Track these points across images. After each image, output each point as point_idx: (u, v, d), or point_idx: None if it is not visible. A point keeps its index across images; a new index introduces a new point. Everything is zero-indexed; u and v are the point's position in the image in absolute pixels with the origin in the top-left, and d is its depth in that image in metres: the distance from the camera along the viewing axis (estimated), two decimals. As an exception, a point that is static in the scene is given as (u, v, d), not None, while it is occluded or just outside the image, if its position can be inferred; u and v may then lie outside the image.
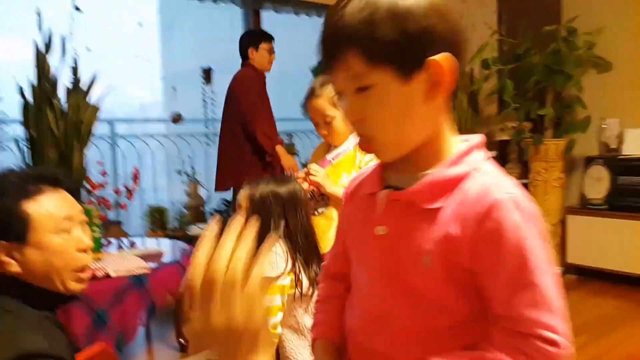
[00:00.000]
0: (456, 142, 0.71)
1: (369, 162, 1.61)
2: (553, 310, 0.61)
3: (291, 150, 4.74)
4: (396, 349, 0.70)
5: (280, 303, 1.29)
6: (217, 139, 3.23)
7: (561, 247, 3.54)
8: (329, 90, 1.68)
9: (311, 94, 1.74)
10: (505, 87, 3.57)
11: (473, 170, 0.67)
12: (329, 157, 1.78)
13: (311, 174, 1.66)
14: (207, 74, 4.63)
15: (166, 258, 2.15)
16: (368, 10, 0.61)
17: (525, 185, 3.80)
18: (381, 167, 0.74)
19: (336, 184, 1.68)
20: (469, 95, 4.20)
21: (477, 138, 0.71)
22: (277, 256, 1.31)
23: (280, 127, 5.34)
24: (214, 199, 4.57)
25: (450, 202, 0.65)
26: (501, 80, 3.64)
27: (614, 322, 2.56)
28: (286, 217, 1.35)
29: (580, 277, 3.41)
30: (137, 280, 1.79)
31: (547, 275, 0.62)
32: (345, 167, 1.73)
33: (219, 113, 3.34)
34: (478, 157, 0.69)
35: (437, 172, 0.67)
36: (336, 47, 0.64)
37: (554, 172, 3.57)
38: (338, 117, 1.71)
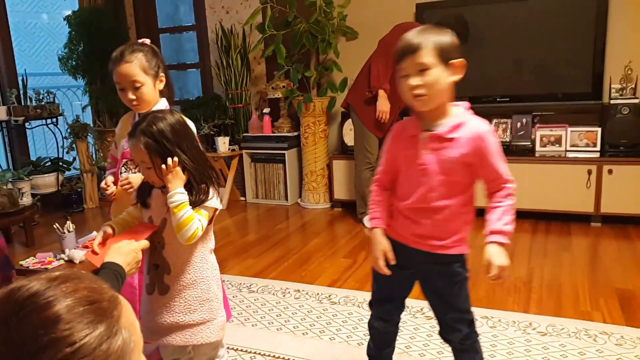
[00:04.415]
0: (455, 105, 1.37)
1: None
2: (508, 171, 1.36)
3: (55, 110, 4.37)
4: (428, 213, 1.39)
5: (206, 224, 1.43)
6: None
7: (329, 186, 4.28)
8: (140, 57, 1.71)
9: (120, 59, 1.70)
10: (279, 51, 4.00)
11: (469, 118, 1.36)
12: None
13: (127, 187, 1.69)
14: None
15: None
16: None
17: (298, 137, 4.40)
18: (417, 121, 1.39)
19: None
20: (242, 57, 4.54)
21: (466, 104, 1.39)
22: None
23: (40, 83, 4.83)
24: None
25: (462, 134, 1.33)
26: (274, 44, 4.05)
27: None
28: (181, 146, 1.40)
29: (344, 208, 4.20)
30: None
31: (503, 159, 1.36)
32: None
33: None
34: (468, 112, 1.38)
35: (452, 120, 1.34)
36: (417, 49, 1.28)
37: (320, 125, 4.23)
38: (148, 84, 1.72)
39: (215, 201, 1.45)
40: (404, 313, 1.67)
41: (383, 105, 3.49)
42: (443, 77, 1.30)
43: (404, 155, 1.42)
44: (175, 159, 1.38)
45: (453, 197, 1.37)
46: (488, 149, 1.33)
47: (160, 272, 1.47)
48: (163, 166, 1.37)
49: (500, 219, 1.33)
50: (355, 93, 3.62)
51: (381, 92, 3.49)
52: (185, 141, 1.42)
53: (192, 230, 1.38)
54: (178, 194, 1.38)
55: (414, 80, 1.29)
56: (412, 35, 1.31)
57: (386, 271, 1.46)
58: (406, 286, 1.56)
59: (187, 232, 1.38)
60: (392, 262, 1.44)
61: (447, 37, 1.32)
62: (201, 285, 1.48)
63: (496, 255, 1.31)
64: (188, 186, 1.41)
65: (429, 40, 1.29)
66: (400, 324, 1.68)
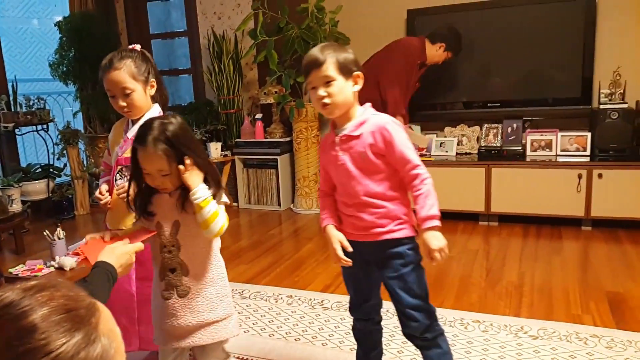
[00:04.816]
0: (359, 107, 1.53)
1: None
2: (417, 157, 1.47)
3: (45, 117, 4.35)
4: (363, 206, 1.51)
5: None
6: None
7: (321, 193, 4.28)
8: (129, 63, 1.70)
9: (109, 66, 1.70)
10: (271, 57, 4.01)
11: (371, 115, 1.51)
12: (129, 135, 1.77)
13: (124, 196, 1.68)
14: None
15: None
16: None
17: (290, 143, 4.40)
18: (332, 128, 1.55)
19: None
20: (234, 63, 4.54)
21: (367, 105, 1.55)
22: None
23: (30, 89, 4.80)
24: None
25: (365, 130, 1.48)
26: (266, 50, 4.06)
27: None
28: (192, 147, 1.42)
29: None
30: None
31: (411, 146, 1.48)
32: None
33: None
34: (370, 110, 1.54)
35: (357, 120, 1.51)
36: (322, 63, 1.44)
37: (313, 130, 4.24)
38: (138, 90, 1.72)
39: (225, 197, 1.48)
40: (395, 318, 1.67)
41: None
42: (346, 87, 1.46)
43: (328, 160, 1.58)
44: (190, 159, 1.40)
45: (378, 186, 1.50)
46: (392, 137, 1.45)
47: (178, 275, 1.47)
48: (181, 167, 1.38)
49: (424, 205, 1.44)
50: None
51: (399, 120, 3.56)
52: (194, 142, 1.45)
53: (220, 223, 1.41)
54: (202, 190, 1.40)
55: (321, 91, 1.45)
56: (317, 52, 1.47)
57: (346, 260, 1.52)
58: (374, 283, 1.63)
59: (216, 225, 1.40)
60: (349, 250, 1.52)
61: (346, 53, 1.48)
62: (219, 282, 1.51)
63: (431, 240, 1.42)
64: (205, 184, 1.43)
65: (331, 56, 1.45)
66: (393, 328, 1.69)
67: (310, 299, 2.57)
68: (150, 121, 1.43)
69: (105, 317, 0.61)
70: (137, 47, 1.81)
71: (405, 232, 1.51)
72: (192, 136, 1.47)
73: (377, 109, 3.96)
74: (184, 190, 1.42)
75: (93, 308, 0.60)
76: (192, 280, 1.47)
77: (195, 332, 1.49)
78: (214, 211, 1.40)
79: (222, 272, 1.54)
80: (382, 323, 1.74)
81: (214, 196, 1.43)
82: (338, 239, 1.54)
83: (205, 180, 1.43)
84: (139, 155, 1.40)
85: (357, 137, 1.49)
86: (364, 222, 1.51)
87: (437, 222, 1.43)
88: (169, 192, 1.45)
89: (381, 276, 1.57)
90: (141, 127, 1.43)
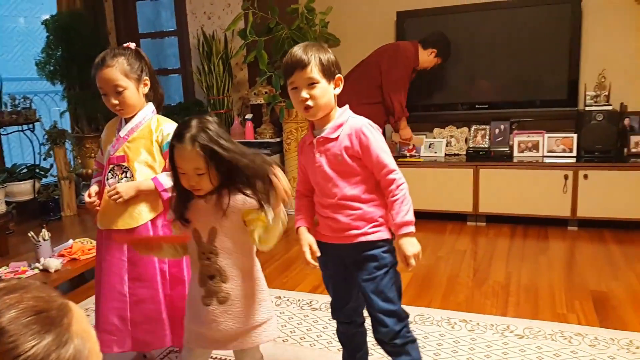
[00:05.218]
0: (338, 109, 1.52)
1: (166, 135, 1.73)
2: (393, 161, 1.47)
3: (31, 116, 4.30)
4: (339, 208, 1.50)
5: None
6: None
7: (310, 193, 4.28)
8: (122, 61, 1.70)
9: (102, 64, 1.70)
10: (261, 57, 4.01)
11: (349, 118, 1.51)
12: (122, 133, 1.77)
13: (115, 197, 1.70)
14: None
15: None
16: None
17: (280, 144, 4.40)
18: (311, 130, 1.55)
19: (136, 159, 1.74)
20: (224, 63, 4.53)
21: (346, 107, 1.54)
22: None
23: (17, 88, 4.75)
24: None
25: (342, 132, 1.48)
26: (256, 50, 4.05)
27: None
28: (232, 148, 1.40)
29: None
30: None
31: (387, 150, 1.48)
32: (143, 142, 1.77)
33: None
34: (348, 113, 1.53)
35: (335, 122, 1.50)
36: (306, 65, 1.42)
37: (303, 131, 4.24)
38: (130, 88, 1.72)
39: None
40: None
41: (409, 132, 3.77)
42: (329, 90, 1.46)
43: (306, 162, 1.58)
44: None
45: (354, 188, 1.49)
46: (368, 140, 1.46)
47: (218, 282, 1.45)
48: (273, 177, 1.37)
49: (400, 211, 1.45)
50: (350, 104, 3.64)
51: (404, 122, 3.70)
52: (232, 142, 1.40)
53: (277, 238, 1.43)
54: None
55: (304, 94, 1.43)
56: (300, 52, 1.44)
57: (313, 262, 1.53)
58: (352, 285, 1.61)
59: (276, 239, 1.43)
60: (318, 254, 1.53)
61: (328, 54, 1.47)
62: (257, 287, 1.51)
63: (407, 246, 1.44)
64: (252, 187, 1.39)
65: (315, 57, 1.43)
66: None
67: (299, 300, 2.58)
68: (188, 120, 1.41)
69: (79, 318, 0.60)
70: (132, 45, 1.81)
71: (380, 235, 1.50)
72: (229, 137, 1.44)
73: (379, 111, 3.88)
74: (220, 195, 1.40)
75: (65, 309, 0.59)
76: (231, 286, 1.46)
77: (236, 337, 1.48)
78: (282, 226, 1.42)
79: (259, 277, 1.53)
80: (367, 324, 1.75)
81: (262, 201, 1.40)
82: (308, 242, 1.54)
83: (253, 186, 1.39)
84: (175, 153, 1.38)
85: (334, 139, 1.49)
86: (340, 224, 1.51)
87: (412, 228, 1.44)
88: (204, 198, 1.42)
89: (357, 279, 1.56)
90: (179, 125, 1.42)
